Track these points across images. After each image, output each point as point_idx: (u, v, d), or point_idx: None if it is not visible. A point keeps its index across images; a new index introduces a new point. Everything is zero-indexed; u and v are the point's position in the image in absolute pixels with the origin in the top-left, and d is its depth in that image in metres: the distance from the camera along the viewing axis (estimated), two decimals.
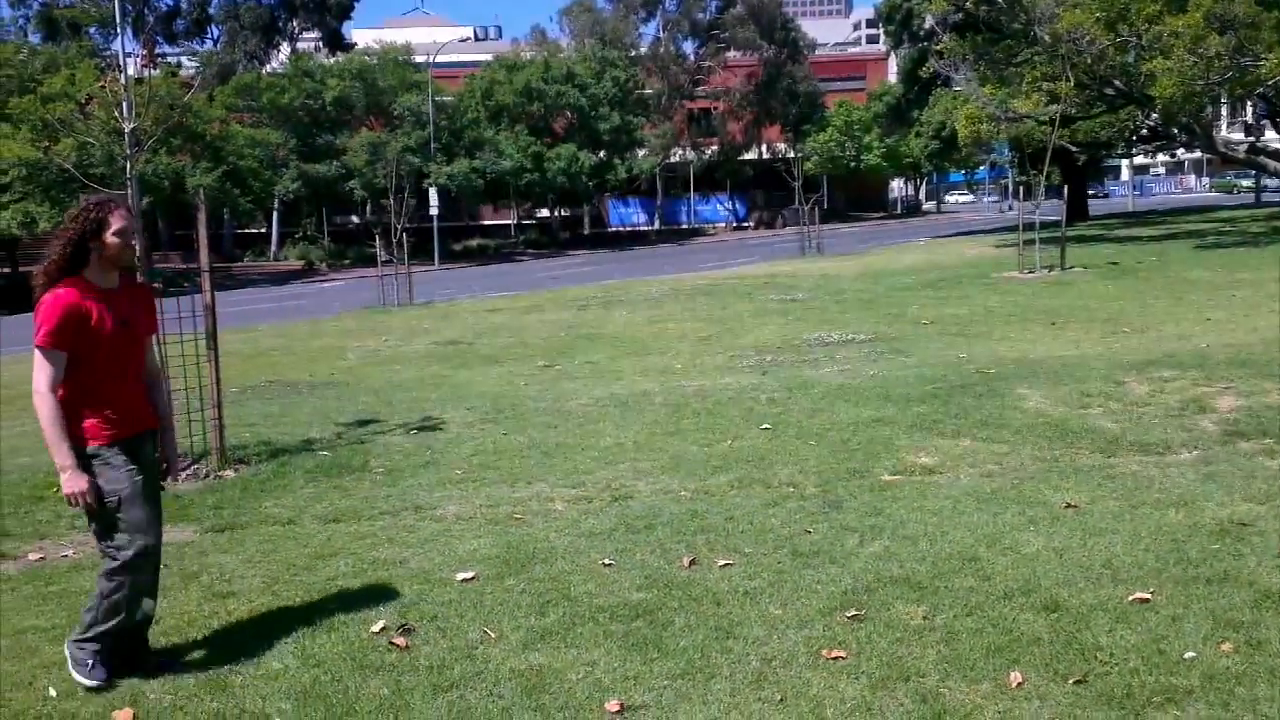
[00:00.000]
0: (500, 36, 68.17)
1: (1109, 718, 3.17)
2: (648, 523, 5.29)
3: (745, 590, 4.29)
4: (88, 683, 3.63)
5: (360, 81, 45.62)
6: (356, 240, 45.87)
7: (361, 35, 58.87)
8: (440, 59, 48.99)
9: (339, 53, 51.17)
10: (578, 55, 52.44)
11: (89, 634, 3.68)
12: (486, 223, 56.34)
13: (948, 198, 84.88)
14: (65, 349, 3.56)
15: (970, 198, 79.32)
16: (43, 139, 32.07)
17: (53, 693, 3.61)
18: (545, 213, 56.23)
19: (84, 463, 3.56)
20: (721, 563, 4.63)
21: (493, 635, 3.96)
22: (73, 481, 3.53)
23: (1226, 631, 3.69)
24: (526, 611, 4.18)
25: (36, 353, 3.55)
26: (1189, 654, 3.53)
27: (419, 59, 48.34)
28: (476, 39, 66.56)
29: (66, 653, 3.74)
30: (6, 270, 37.95)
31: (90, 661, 3.67)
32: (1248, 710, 3.18)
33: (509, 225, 55.08)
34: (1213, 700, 3.23)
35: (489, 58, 53.62)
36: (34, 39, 44.13)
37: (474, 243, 48.64)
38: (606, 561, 4.73)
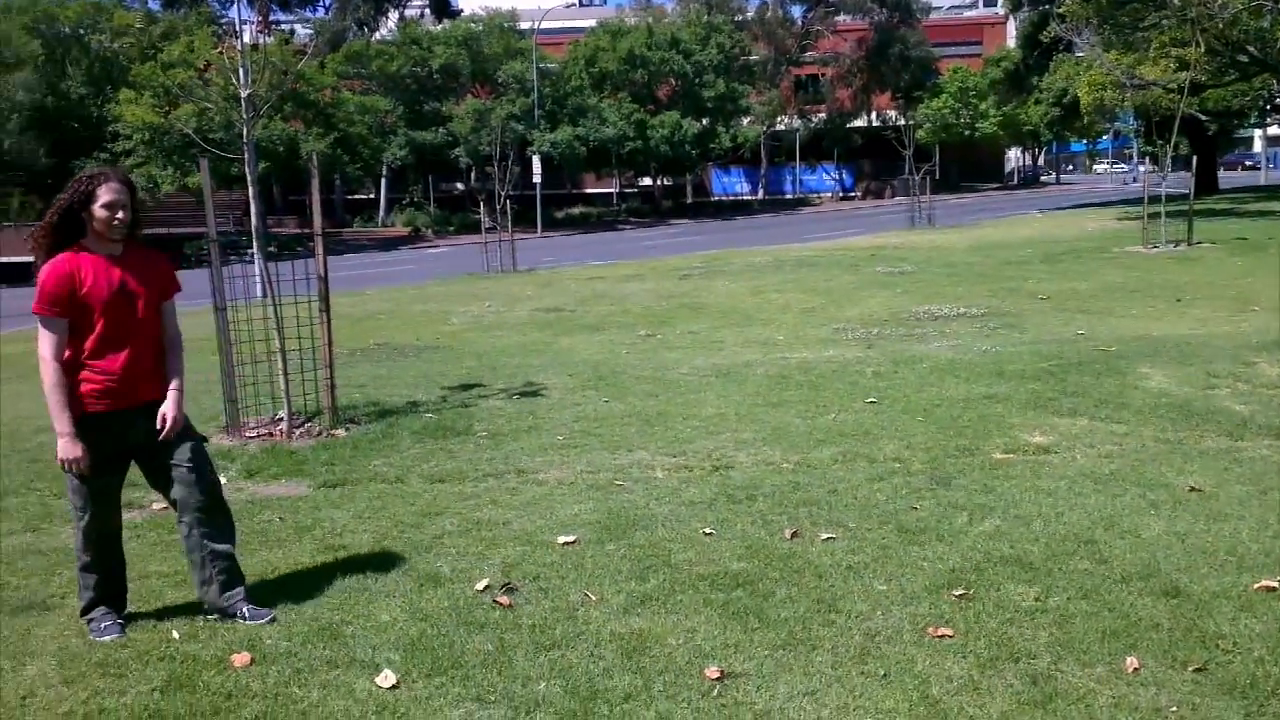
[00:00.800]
0: (605, 2, 67.98)
1: (1230, 708, 3.03)
2: (749, 493, 5.26)
3: (848, 565, 4.23)
4: (102, 639, 3.75)
5: (466, 49, 46.10)
6: (461, 207, 46.59)
7: (467, 2, 59.42)
8: (544, 25, 49.16)
9: (445, 20, 51.76)
10: (682, 20, 51.99)
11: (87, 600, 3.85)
12: (589, 191, 56.59)
13: (1096, 168, 79.33)
14: (63, 316, 3.62)
15: (1122, 167, 71.80)
16: (164, 104, 33.50)
17: (175, 635, 3.78)
18: (648, 181, 56.13)
19: (80, 431, 3.64)
20: (824, 536, 4.57)
21: (594, 598, 3.99)
22: (67, 449, 3.63)
23: None
24: (627, 576, 4.19)
25: (38, 320, 3.64)
26: None
27: (523, 26, 48.62)
28: (581, 4, 66.57)
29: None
30: None
31: (104, 624, 3.81)
32: None
33: (611, 194, 55.18)
34: None
35: (593, 24, 53.58)
36: (153, 5, 45.84)
37: (576, 210, 48.93)
38: (707, 530, 4.71)
